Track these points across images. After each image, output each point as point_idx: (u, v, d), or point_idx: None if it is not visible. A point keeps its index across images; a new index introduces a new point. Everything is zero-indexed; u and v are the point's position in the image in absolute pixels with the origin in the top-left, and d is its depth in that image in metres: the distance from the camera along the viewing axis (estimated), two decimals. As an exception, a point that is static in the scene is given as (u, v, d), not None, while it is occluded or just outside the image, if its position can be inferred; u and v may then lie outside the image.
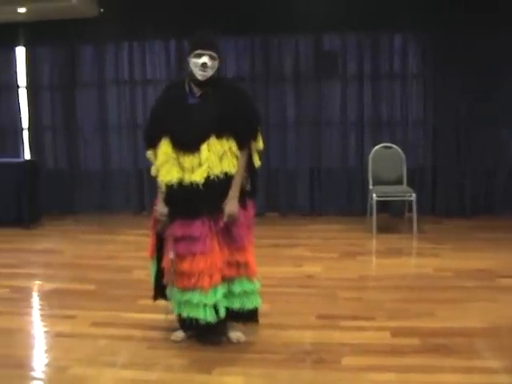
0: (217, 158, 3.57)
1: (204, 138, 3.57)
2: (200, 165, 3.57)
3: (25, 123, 9.22)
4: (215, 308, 3.64)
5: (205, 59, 3.55)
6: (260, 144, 3.76)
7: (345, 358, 3.57)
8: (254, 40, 8.38)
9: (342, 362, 3.52)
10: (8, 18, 8.26)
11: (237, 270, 3.70)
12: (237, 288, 3.71)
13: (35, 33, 8.75)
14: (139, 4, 8.19)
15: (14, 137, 9.28)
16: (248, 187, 3.77)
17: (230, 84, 3.94)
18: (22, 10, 7.82)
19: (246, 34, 8.31)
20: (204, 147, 3.56)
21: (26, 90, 9.12)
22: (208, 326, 3.66)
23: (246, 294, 3.75)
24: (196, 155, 3.58)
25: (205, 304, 3.61)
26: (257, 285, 3.79)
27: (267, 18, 8.05)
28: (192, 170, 3.59)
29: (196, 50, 3.58)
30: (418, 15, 7.78)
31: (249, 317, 3.85)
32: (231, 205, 3.61)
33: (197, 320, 3.66)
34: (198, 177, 3.56)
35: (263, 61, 8.40)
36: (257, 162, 3.79)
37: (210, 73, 3.60)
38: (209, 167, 3.56)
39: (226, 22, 7.82)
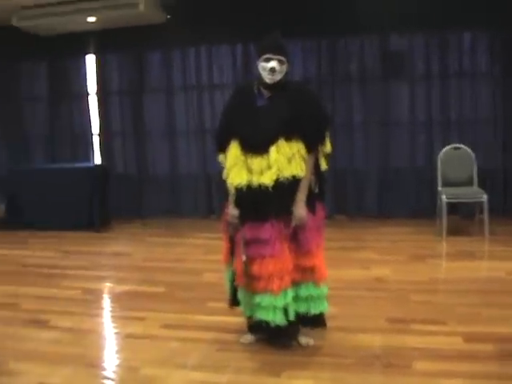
0: (285, 160, 3.55)
1: (273, 140, 3.56)
2: (269, 167, 3.56)
3: (95, 129, 9.44)
4: (285, 311, 3.63)
5: (273, 64, 3.55)
6: (328, 147, 3.73)
7: (415, 363, 3.50)
8: (320, 42, 8.34)
9: (413, 367, 3.46)
10: (78, 28, 8.49)
11: (303, 274, 3.68)
12: (303, 292, 3.70)
13: (104, 41, 8.96)
14: (205, 9, 8.26)
15: (85, 142, 9.52)
16: (316, 190, 3.75)
17: (299, 87, 3.92)
18: (91, 19, 8.02)
19: (312, 36, 8.27)
20: (273, 149, 3.55)
21: (96, 97, 9.34)
22: (278, 329, 3.66)
23: (312, 298, 3.73)
24: (265, 157, 3.57)
25: (275, 307, 3.60)
26: (324, 290, 3.75)
27: (333, 19, 8.00)
28: (261, 173, 3.59)
29: (265, 54, 3.59)
30: (486, 13, 7.59)
31: (315, 321, 3.83)
32: (299, 208, 3.60)
33: (267, 323, 3.66)
34: (267, 179, 3.55)
35: (329, 62, 8.35)
36: (323, 166, 3.76)
37: (278, 77, 3.60)
38: (278, 169, 3.54)
39: (292, 25, 7.81)
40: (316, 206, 3.72)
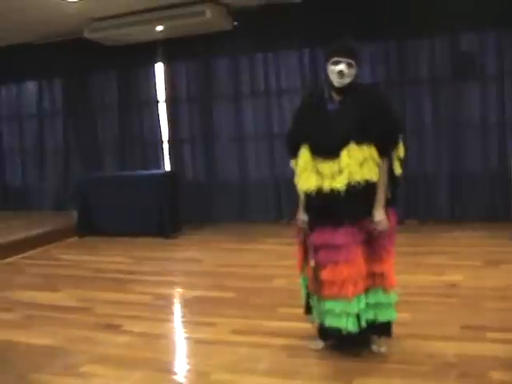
0: (357, 164, 3.50)
1: (344, 144, 3.52)
2: (340, 171, 3.53)
3: (165, 136, 9.57)
4: (357, 317, 3.58)
5: (341, 67, 3.52)
6: (401, 151, 3.66)
7: (491, 373, 3.39)
8: (387, 44, 8.24)
9: (489, 377, 3.35)
10: (147, 37, 8.66)
11: (372, 280, 3.63)
12: (371, 299, 3.64)
13: (172, 49, 9.11)
14: (272, 15, 8.27)
15: (154, 150, 9.68)
16: (389, 195, 3.69)
17: (370, 90, 3.87)
18: (159, 28, 8.15)
19: (380, 38, 8.17)
20: (344, 153, 3.51)
21: (165, 104, 9.48)
22: (349, 335, 3.62)
23: (380, 305, 3.66)
24: (336, 161, 3.54)
25: (348, 313, 3.56)
26: (393, 298, 3.69)
27: (401, 21, 7.87)
28: (332, 177, 3.56)
29: (333, 57, 3.56)
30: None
31: (382, 329, 3.77)
32: (379, 213, 3.56)
33: (339, 330, 3.62)
34: (339, 183, 3.52)
35: (398, 65, 8.22)
36: (397, 170, 3.68)
37: (347, 80, 3.56)
38: (349, 173, 3.50)
39: (360, 28, 7.74)
40: (388, 211, 3.66)
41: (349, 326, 3.57)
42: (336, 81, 3.56)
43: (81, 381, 3.66)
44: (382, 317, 3.68)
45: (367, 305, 3.63)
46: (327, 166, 3.57)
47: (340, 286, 3.55)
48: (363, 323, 3.60)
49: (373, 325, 3.68)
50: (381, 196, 3.59)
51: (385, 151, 3.59)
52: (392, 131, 3.63)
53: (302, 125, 3.73)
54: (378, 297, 3.64)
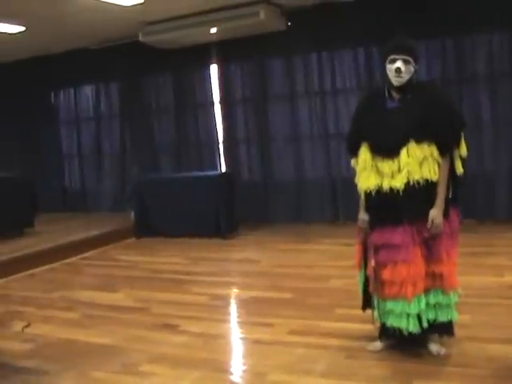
0: (416, 163, 3.47)
1: (403, 143, 3.49)
2: (399, 170, 3.50)
3: (220, 137, 9.62)
4: (418, 317, 3.54)
5: (398, 64, 3.48)
6: (463, 150, 3.60)
7: (558, 377, 3.30)
8: (444, 41, 8.09)
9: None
10: (201, 39, 8.73)
11: (432, 281, 3.57)
12: (431, 299, 3.58)
13: (226, 50, 9.15)
14: (325, 14, 8.22)
15: (210, 151, 9.74)
16: (450, 195, 3.62)
17: (431, 88, 3.83)
18: (213, 30, 8.19)
19: (437, 35, 8.04)
20: (403, 152, 3.48)
21: (220, 106, 9.52)
22: (410, 336, 3.59)
23: (440, 306, 3.61)
24: (395, 160, 3.51)
25: (408, 313, 3.53)
26: (453, 298, 3.62)
27: (457, 17, 7.73)
28: (392, 176, 3.53)
29: (390, 55, 3.54)
30: None
31: (442, 329, 3.70)
32: (436, 214, 3.49)
33: (399, 330, 3.60)
34: (398, 182, 3.49)
35: (455, 61, 8.07)
36: (459, 169, 3.62)
37: (405, 78, 3.52)
38: (408, 172, 3.46)
39: (416, 25, 7.63)
40: (450, 211, 3.60)
41: (410, 326, 3.54)
42: (394, 79, 3.53)
43: (139, 379, 3.70)
44: (443, 317, 3.62)
45: (428, 305, 3.57)
46: (387, 165, 3.55)
47: (399, 285, 3.52)
48: (425, 324, 3.55)
49: (433, 324, 3.62)
50: (441, 197, 3.52)
51: (446, 149, 3.53)
52: (454, 130, 3.57)
53: (362, 124, 3.71)
54: (438, 297, 3.58)
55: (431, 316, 3.60)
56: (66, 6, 7.24)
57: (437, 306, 3.60)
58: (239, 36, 8.56)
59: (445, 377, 3.43)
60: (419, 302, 3.51)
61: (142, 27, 8.45)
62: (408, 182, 3.47)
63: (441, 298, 3.58)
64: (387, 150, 3.54)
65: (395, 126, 3.52)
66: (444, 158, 3.52)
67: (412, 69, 3.54)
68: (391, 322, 3.64)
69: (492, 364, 3.53)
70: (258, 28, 8.17)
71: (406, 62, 3.50)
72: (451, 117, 3.58)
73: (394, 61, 3.51)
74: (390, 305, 3.61)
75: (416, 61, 3.57)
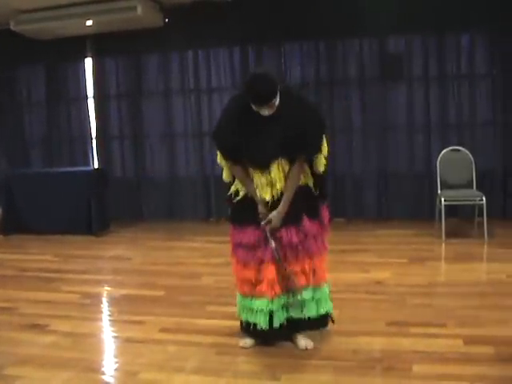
0: (285, 177, 3.62)
1: (272, 160, 3.60)
2: (268, 184, 3.63)
3: (93, 132, 9.43)
4: (272, 316, 3.68)
5: (265, 112, 3.50)
6: (325, 150, 3.72)
7: (416, 366, 3.48)
8: (318, 44, 8.34)
9: (413, 370, 3.44)
10: (76, 31, 8.50)
11: (302, 279, 3.68)
12: (299, 298, 3.69)
13: (102, 44, 8.99)
14: (203, 12, 8.25)
15: (83, 146, 9.52)
16: (316, 192, 3.75)
17: (297, 100, 3.71)
18: (89, 22, 8.01)
19: (311, 38, 8.27)
20: (274, 167, 3.60)
21: (94, 100, 9.33)
22: (274, 332, 3.71)
23: (310, 302, 3.74)
24: (265, 174, 3.63)
25: (266, 310, 3.65)
26: (324, 291, 3.80)
27: (331, 21, 7.99)
28: (261, 188, 3.66)
29: (254, 104, 3.49)
30: (484, 13, 7.60)
31: (318, 323, 3.86)
32: (275, 216, 3.61)
33: (254, 325, 3.72)
34: (268, 195, 3.64)
35: (328, 64, 8.34)
36: (321, 169, 3.73)
37: (273, 110, 3.51)
38: (279, 187, 3.62)
39: (290, 27, 7.83)
40: (319, 208, 3.75)
41: (261, 322, 3.67)
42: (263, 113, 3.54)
43: None
44: (320, 310, 3.79)
45: (290, 303, 3.70)
46: (257, 177, 3.65)
47: (259, 285, 3.64)
48: (281, 321, 3.70)
49: (307, 321, 3.76)
50: (285, 204, 3.62)
51: (311, 157, 3.67)
52: (317, 139, 3.67)
53: (237, 134, 3.64)
54: (313, 292, 3.72)
55: (298, 314, 3.72)
56: None
57: (304, 303, 3.71)
58: (116, 30, 8.41)
59: (313, 370, 3.54)
60: (277, 301, 3.65)
61: (14, 15, 8.09)
62: (276, 194, 3.63)
63: (308, 295, 3.70)
64: (258, 165, 3.63)
65: (263, 144, 3.57)
66: (294, 164, 3.64)
67: (278, 100, 3.49)
68: (247, 317, 3.77)
69: (356, 356, 3.68)
70: (135, 23, 8.08)
71: (271, 106, 3.48)
72: (315, 128, 3.66)
73: (259, 109, 3.49)
74: (247, 302, 3.73)
75: (278, 93, 3.47)
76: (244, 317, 3.82)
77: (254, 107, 3.50)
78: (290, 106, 3.59)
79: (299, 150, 3.60)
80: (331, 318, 3.94)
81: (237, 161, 3.72)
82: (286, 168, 3.61)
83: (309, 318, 3.77)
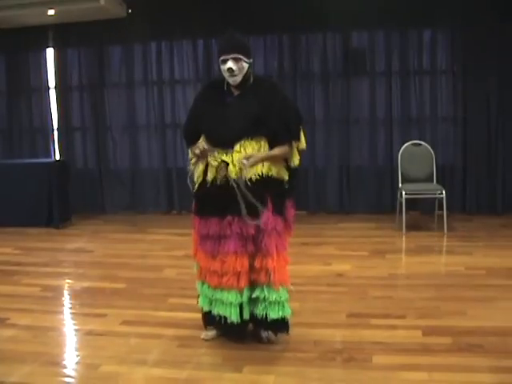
0: None
1: (238, 139, 3.55)
2: (233, 164, 3.54)
3: (55, 124, 9.32)
4: (241, 308, 3.64)
5: (230, 64, 3.50)
6: (302, 144, 3.74)
7: (376, 357, 3.54)
8: (282, 38, 8.36)
9: (373, 361, 3.50)
10: (38, 21, 8.35)
11: (258, 275, 3.62)
12: (259, 294, 3.63)
13: (64, 34, 8.87)
14: (167, 4, 8.22)
15: (44, 137, 9.39)
16: (286, 186, 3.73)
17: (268, 84, 3.84)
18: (51, 12, 7.88)
19: (274, 32, 8.30)
20: (237, 147, 3.54)
21: (55, 91, 9.22)
22: (234, 325, 3.65)
23: (269, 302, 3.64)
24: (229, 155, 3.55)
25: (231, 302, 3.59)
26: (282, 295, 3.66)
27: (295, 15, 8.04)
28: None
29: (220, 56, 3.55)
30: (446, 10, 7.72)
31: (277, 326, 3.75)
32: (252, 158, 3.50)
33: (225, 318, 3.66)
34: (231, 176, 3.53)
35: (291, 59, 8.38)
36: (295, 162, 3.74)
37: (239, 77, 3.56)
38: (240, 168, 3.50)
39: (254, 21, 7.83)
40: (286, 204, 3.70)
41: (232, 315, 3.60)
42: (229, 79, 3.57)
43: (-39, 379, 3.52)
44: (273, 314, 3.64)
45: (257, 300, 3.65)
46: (221, 158, 3.56)
47: (229, 276, 3.56)
48: (246, 315, 3.66)
49: (265, 321, 3.68)
50: (268, 154, 3.58)
51: (283, 143, 3.61)
52: (292, 124, 3.67)
53: (200, 115, 3.70)
54: (265, 293, 3.61)
55: (261, 312, 3.65)
56: None
57: (266, 302, 3.63)
58: (78, 20, 8.30)
59: (275, 362, 3.57)
60: (244, 294, 3.60)
61: (-29, 2, 7.96)
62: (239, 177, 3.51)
63: (268, 294, 3.61)
64: (222, 144, 3.56)
65: (232, 122, 3.56)
66: (281, 146, 3.61)
67: (245, 64, 3.56)
68: (218, 310, 3.68)
69: (317, 347, 3.73)
70: (97, 13, 7.97)
71: (236, 60, 3.51)
72: (287, 112, 3.67)
73: (225, 61, 3.52)
74: (216, 294, 3.65)
75: (248, 56, 3.58)
76: (215, 310, 3.71)
77: (221, 64, 3.55)
78: (264, 89, 3.66)
79: (270, 129, 3.57)
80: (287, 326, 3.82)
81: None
82: (250, 150, 3.54)
83: (269, 317, 3.66)
